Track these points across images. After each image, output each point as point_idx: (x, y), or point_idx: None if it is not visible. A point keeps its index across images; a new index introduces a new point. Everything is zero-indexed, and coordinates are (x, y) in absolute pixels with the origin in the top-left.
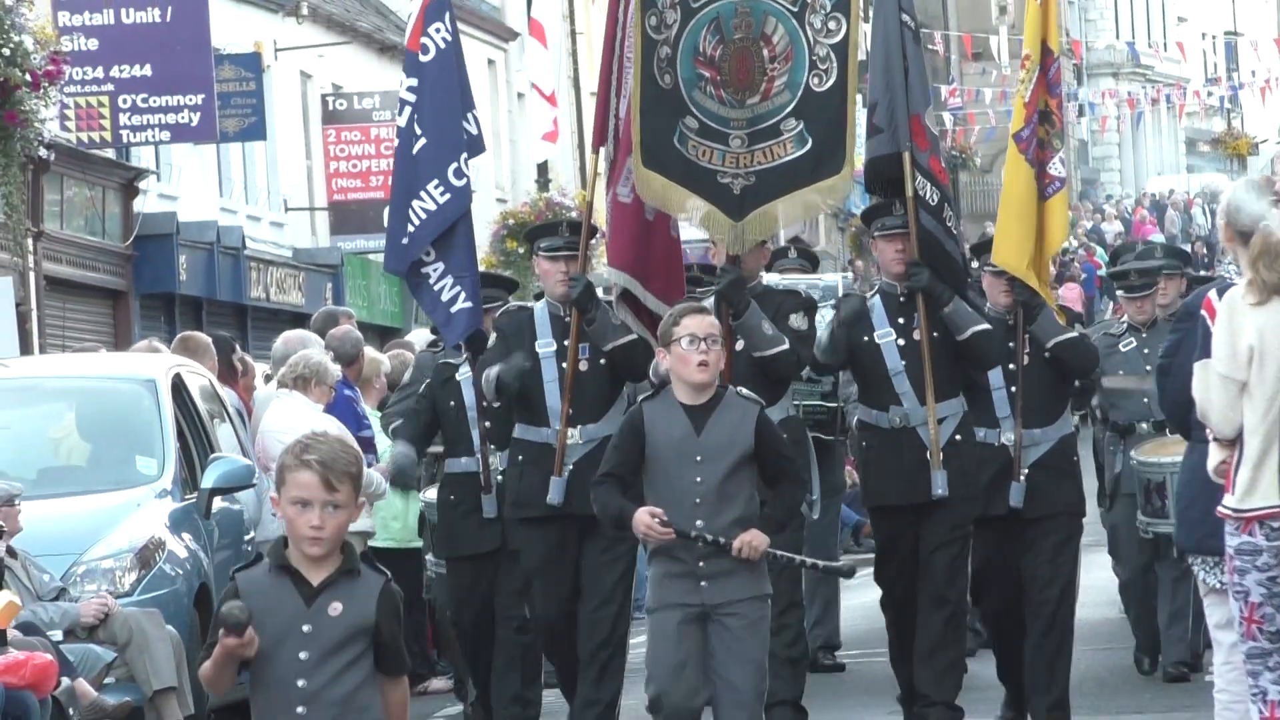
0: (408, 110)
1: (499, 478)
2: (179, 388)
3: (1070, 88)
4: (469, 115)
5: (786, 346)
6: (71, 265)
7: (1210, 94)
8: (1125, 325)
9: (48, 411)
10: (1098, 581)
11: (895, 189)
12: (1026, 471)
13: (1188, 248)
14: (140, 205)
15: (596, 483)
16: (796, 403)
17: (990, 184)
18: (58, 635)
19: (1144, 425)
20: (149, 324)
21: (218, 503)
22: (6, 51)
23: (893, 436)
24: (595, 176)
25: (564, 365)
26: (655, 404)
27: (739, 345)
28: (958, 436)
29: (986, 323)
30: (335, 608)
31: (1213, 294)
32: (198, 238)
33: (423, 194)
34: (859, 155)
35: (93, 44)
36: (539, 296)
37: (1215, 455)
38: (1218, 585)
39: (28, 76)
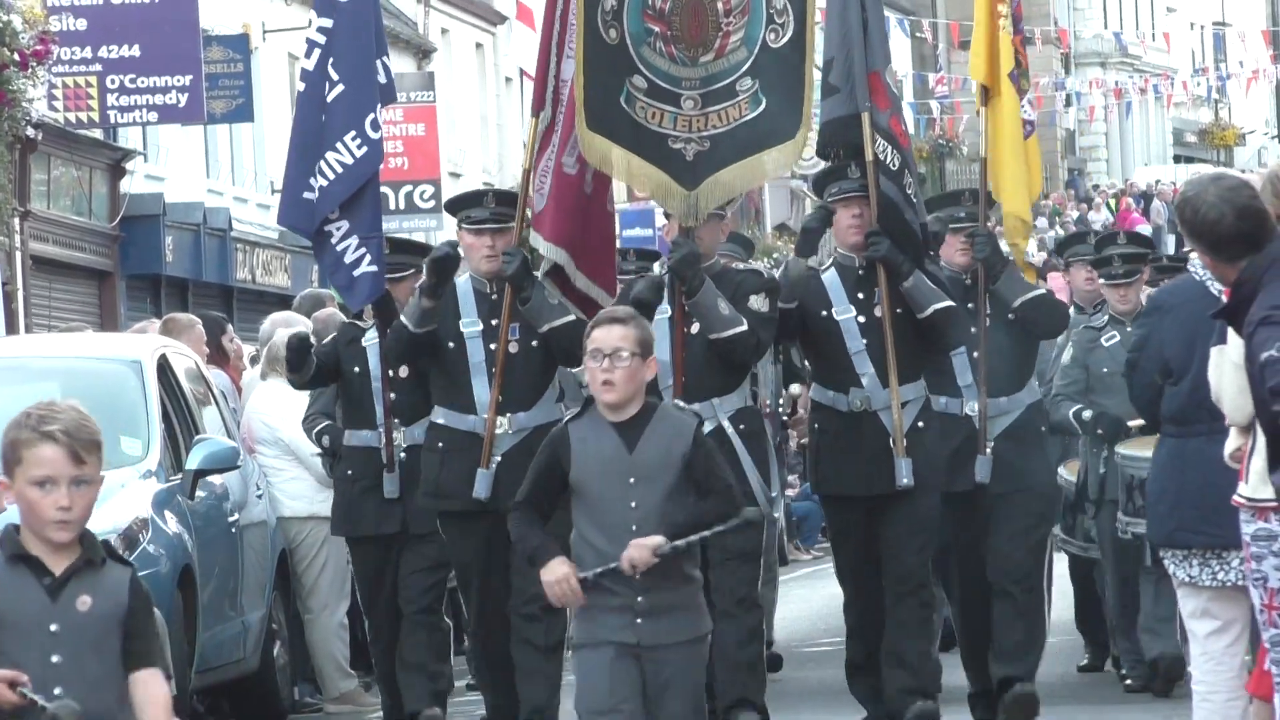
0: (317, 52)
1: (403, 454)
2: (164, 369)
3: (1058, 76)
4: (381, 62)
5: (745, 328)
6: (58, 245)
7: (1198, 85)
8: (1106, 317)
9: (33, 391)
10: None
11: (852, 155)
12: (992, 444)
13: (1172, 239)
14: (127, 186)
15: (513, 508)
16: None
17: (978, 173)
18: None
19: (1131, 425)
20: (135, 305)
21: (202, 484)
22: None
23: (852, 421)
24: (534, 142)
25: (492, 347)
26: (581, 423)
27: (694, 328)
28: (920, 423)
29: (949, 299)
30: (84, 601)
31: None
32: (184, 219)
33: (339, 146)
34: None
35: (81, 24)
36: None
37: (1233, 441)
38: (1186, 579)
39: (16, 56)
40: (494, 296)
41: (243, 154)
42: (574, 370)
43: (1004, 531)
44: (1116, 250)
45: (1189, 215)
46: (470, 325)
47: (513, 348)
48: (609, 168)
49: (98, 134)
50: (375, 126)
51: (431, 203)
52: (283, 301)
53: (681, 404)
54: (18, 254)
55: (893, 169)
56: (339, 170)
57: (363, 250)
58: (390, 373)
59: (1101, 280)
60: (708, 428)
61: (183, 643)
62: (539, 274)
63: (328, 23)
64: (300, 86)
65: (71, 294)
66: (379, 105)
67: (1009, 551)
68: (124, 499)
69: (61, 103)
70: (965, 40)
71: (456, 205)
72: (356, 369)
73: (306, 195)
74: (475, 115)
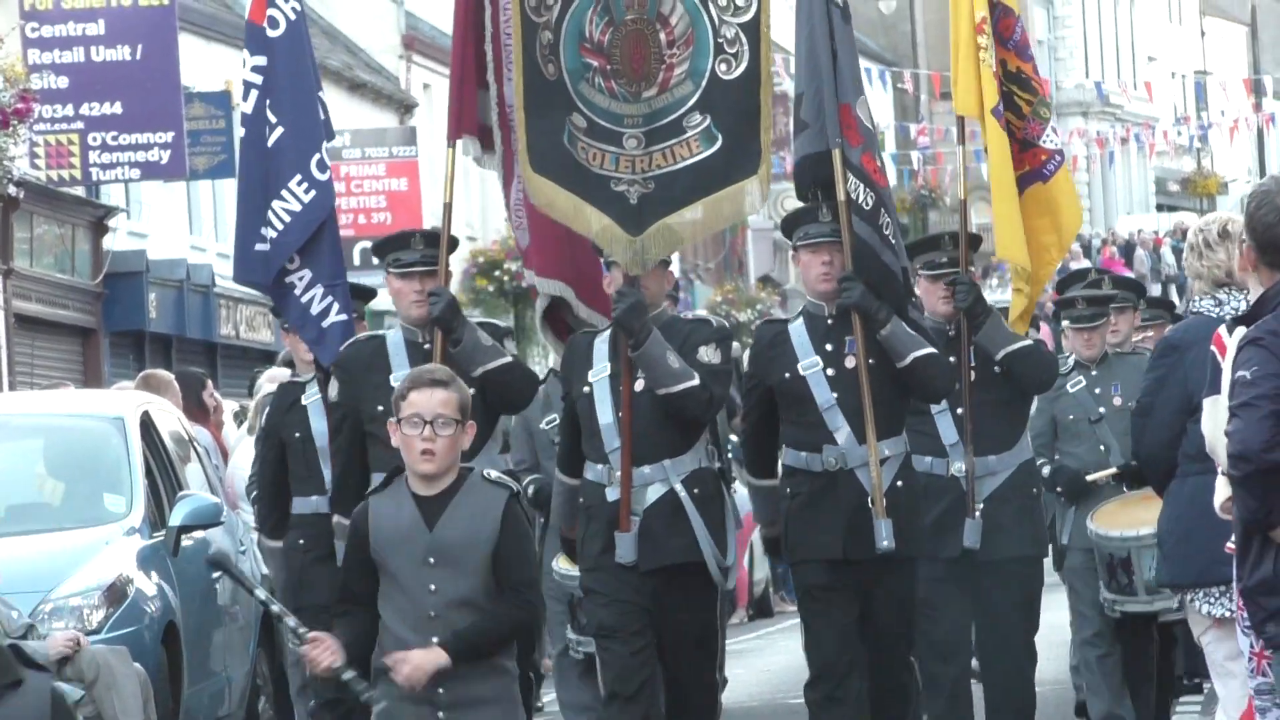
0: (254, 94)
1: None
2: (147, 425)
3: None
4: (318, 96)
5: (696, 382)
6: (41, 303)
7: (1180, 134)
8: (1072, 362)
9: (16, 449)
10: (1057, 619)
11: (830, 193)
12: (981, 507)
13: (1156, 288)
14: (110, 243)
15: (339, 607)
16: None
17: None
18: None
19: (1092, 478)
20: (119, 362)
21: (186, 541)
22: None
23: (827, 481)
24: (452, 173)
25: None
26: (383, 496)
27: (639, 384)
28: (899, 482)
29: (932, 346)
30: None
31: (1222, 329)
32: (167, 275)
33: (284, 193)
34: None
35: (63, 82)
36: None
37: (1222, 491)
38: (1226, 614)
39: None
40: (427, 346)
41: (226, 210)
42: (544, 427)
43: (995, 606)
44: (1079, 293)
45: (1252, 209)
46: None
47: None
48: (556, 212)
49: (80, 191)
50: (322, 167)
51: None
52: (267, 357)
53: (496, 475)
54: (1, 312)
55: (866, 209)
56: (287, 219)
57: (329, 299)
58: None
59: (1066, 323)
60: (659, 491)
61: (168, 699)
62: (536, 313)
63: (261, 60)
64: (240, 132)
65: (55, 351)
66: (324, 144)
67: (1000, 630)
68: (107, 556)
69: (44, 160)
70: (946, 91)
71: (383, 249)
72: (298, 434)
73: (259, 248)
74: (457, 169)
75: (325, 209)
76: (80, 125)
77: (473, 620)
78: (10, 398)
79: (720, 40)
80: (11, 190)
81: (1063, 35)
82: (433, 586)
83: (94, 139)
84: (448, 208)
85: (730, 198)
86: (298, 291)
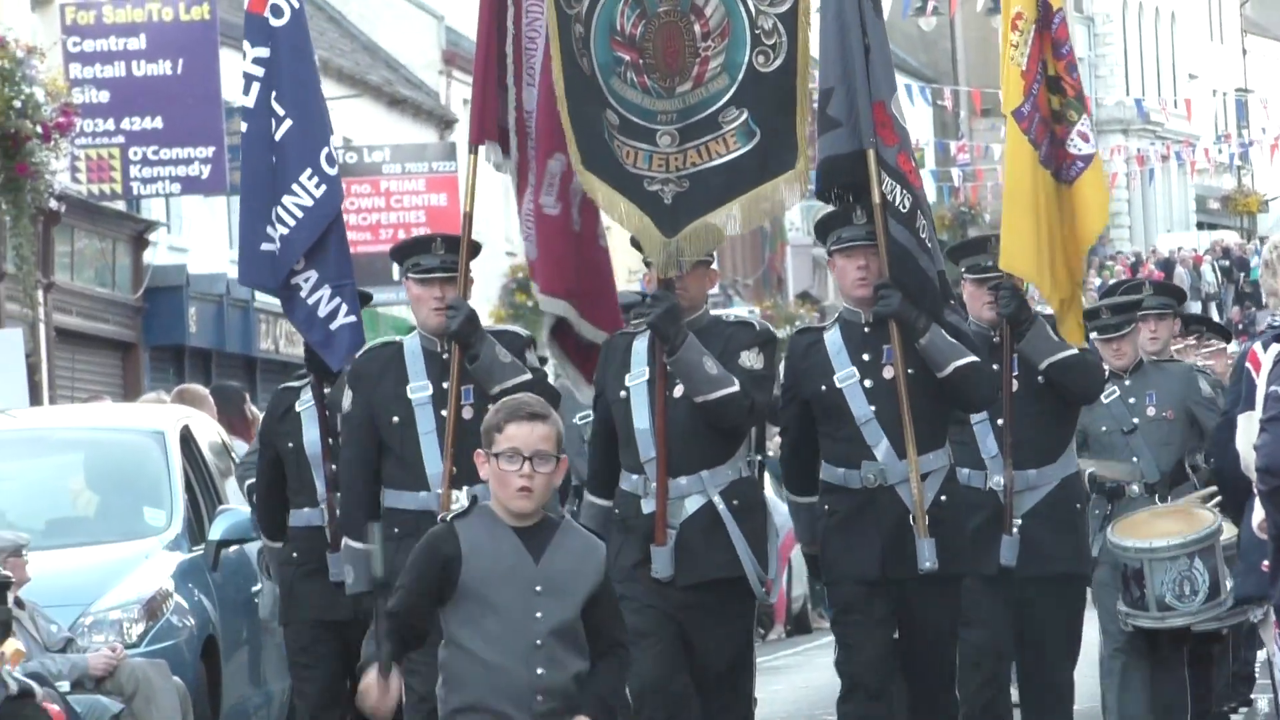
0: (256, 86)
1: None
2: (187, 439)
3: None
4: (321, 90)
5: (736, 389)
6: (81, 317)
7: (1220, 151)
8: (1107, 372)
9: (56, 463)
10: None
11: (856, 195)
12: (1019, 522)
13: (1196, 305)
14: (150, 257)
15: (389, 614)
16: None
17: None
18: (65, 686)
19: (1134, 487)
20: (158, 376)
21: (225, 554)
22: (17, 103)
23: (866, 498)
24: (473, 180)
25: (444, 413)
26: (471, 521)
27: (677, 390)
28: (943, 497)
29: (973, 354)
30: None
31: (1257, 346)
32: (207, 290)
33: (295, 188)
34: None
35: (104, 96)
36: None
37: (1260, 511)
38: None
39: (38, 128)
40: (445, 356)
41: None
42: (577, 422)
43: (1034, 628)
44: (1104, 302)
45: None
46: (419, 390)
47: (466, 413)
48: (610, 213)
49: (120, 206)
50: (330, 161)
51: None
52: None
53: (587, 528)
54: (41, 326)
55: (903, 211)
56: (299, 215)
57: (337, 300)
58: (330, 440)
59: (1093, 334)
60: (697, 503)
61: (206, 713)
62: (543, 335)
63: (264, 52)
64: (242, 128)
65: (95, 365)
66: (332, 136)
67: (1042, 654)
68: (147, 570)
69: (84, 174)
70: (986, 108)
71: (402, 253)
72: (290, 444)
73: (265, 247)
74: (497, 184)
75: (336, 205)
76: (121, 139)
77: (595, 682)
78: (50, 412)
79: (758, 32)
80: (52, 204)
81: (1103, 53)
82: (539, 614)
83: (135, 153)
84: (468, 216)
85: (768, 195)
86: (304, 293)
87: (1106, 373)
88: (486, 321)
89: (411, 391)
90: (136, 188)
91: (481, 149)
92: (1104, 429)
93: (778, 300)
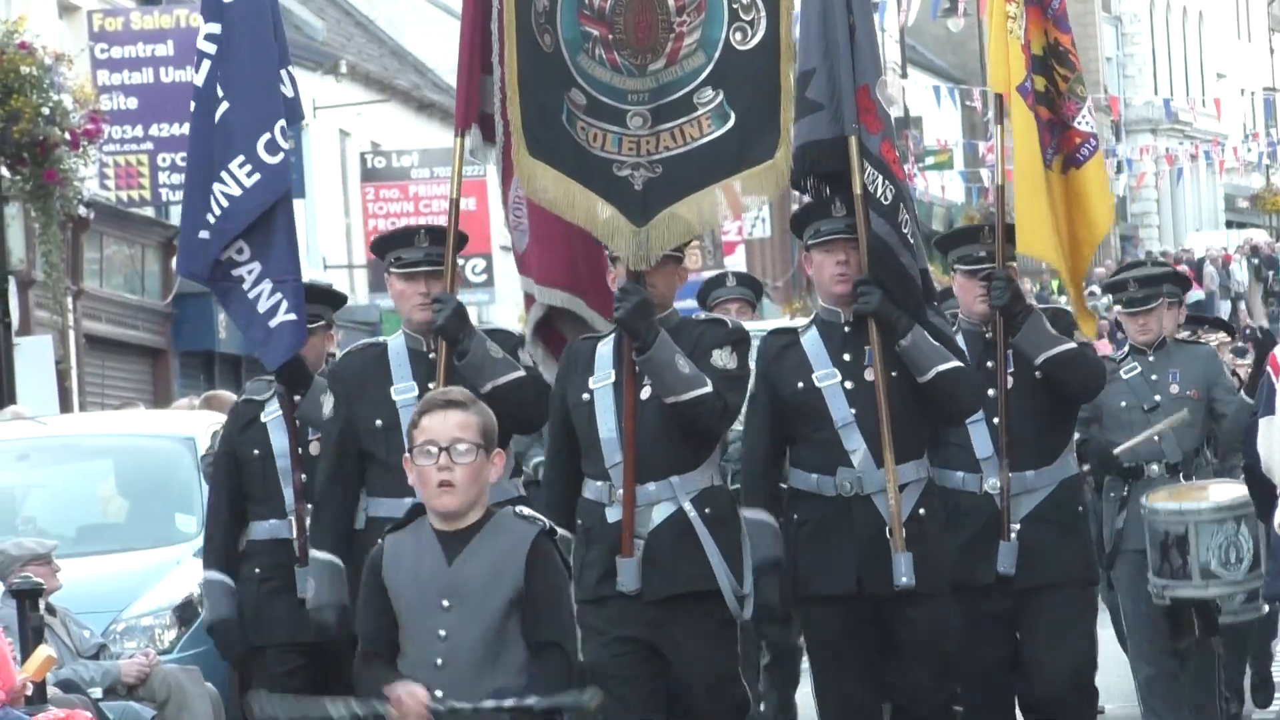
0: (206, 64)
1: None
2: None
3: (1109, 143)
4: (284, 73)
5: (708, 389)
6: (111, 323)
7: (1249, 150)
8: (1128, 348)
9: (87, 469)
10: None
11: (834, 185)
12: (1018, 528)
13: (1225, 305)
14: None
15: (361, 660)
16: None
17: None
18: (98, 693)
19: (1154, 467)
20: (188, 382)
21: None
22: (46, 110)
23: (840, 507)
24: (460, 166)
25: None
26: (403, 535)
27: (646, 392)
28: (922, 510)
29: (958, 359)
30: None
31: (1278, 350)
32: None
33: (224, 175)
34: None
35: (132, 103)
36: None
37: None
38: None
39: (67, 135)
40: (431, 355)
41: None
42: None
43: (1035, 641)
44: (1131, 275)
45: None
46: (405, 391)
47: None
48: (552, 201)
49: (149, 212)
50: (272, 149)
51: (484, 276)
52: None
53: (526, 511)
54: (71, 333)
55: (885, 204)
56: (225, 203)
57: (278, 296)
58: (300, 449)
59: (1118, 308)
60: (666, 511)
61: (239, 718)
62: (528, 329)
63: (215, 28)
64: (192, 107)
65: (125, 371)
66: (280, 123)
67: (1051, 667)
68: (178, 576)
69: (113, 181)
70: None
71: (385, 245)
72: (256, 451)
73: (202, 235)
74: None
75: (272, 195)
76: (149, 146)
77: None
78: (81, 418)
79: (735, 6)
80: (81, 211)
81: (1131, 52)
82: (442, 631)
83: (163, 160)
84: (454, 203)
85: (744, 181)
86: (246, 286)
87: (1128, 349)
88: (514, 326)
89: (396, 394)
90: (165, 194)
91: (467, 135)
92: (1123, 404)
93: (807, 302)
